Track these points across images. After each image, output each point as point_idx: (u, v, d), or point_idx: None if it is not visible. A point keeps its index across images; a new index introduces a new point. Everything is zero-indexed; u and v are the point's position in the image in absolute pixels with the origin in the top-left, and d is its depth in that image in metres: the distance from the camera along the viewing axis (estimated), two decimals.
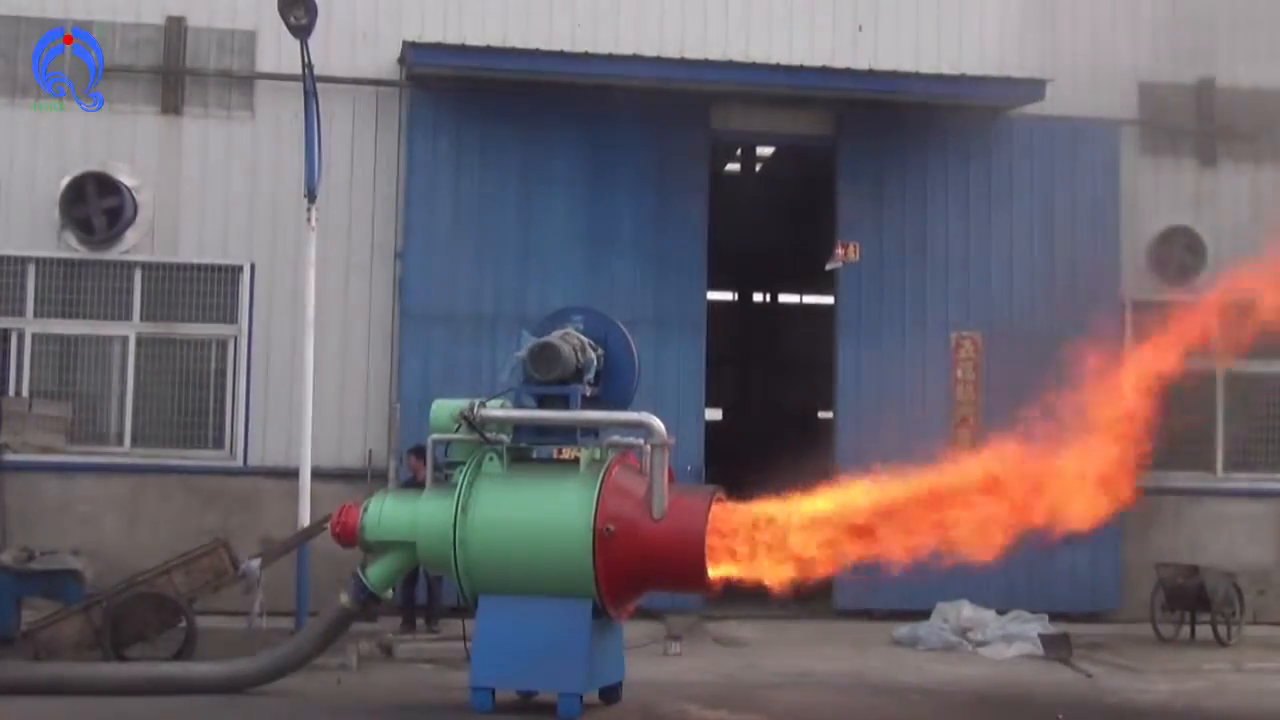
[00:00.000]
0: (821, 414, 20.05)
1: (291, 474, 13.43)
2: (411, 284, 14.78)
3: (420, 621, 13.37)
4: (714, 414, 21.14)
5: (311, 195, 13.31)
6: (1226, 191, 16.17)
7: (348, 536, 10.04)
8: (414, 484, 12.12)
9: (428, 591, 13.35)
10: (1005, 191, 15.69)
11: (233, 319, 14.77)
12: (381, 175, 14.94)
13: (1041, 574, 14.94)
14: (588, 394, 10.00)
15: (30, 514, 13.91)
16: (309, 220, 13.37)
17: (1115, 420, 9.75)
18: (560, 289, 14.25)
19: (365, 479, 14.22)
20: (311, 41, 13.03)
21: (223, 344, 14.77)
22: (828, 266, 15.56)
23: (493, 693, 9.64)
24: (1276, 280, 9.84)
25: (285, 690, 10.30)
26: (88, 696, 10.02)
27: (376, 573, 10.03)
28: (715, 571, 9.60)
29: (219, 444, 14.71)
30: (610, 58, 14.70)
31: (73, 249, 14.61)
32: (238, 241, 14.80)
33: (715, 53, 15.09)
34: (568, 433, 9.93)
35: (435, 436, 10.02)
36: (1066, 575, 15.17)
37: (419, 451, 11.78)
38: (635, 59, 14.65)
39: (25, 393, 14.47)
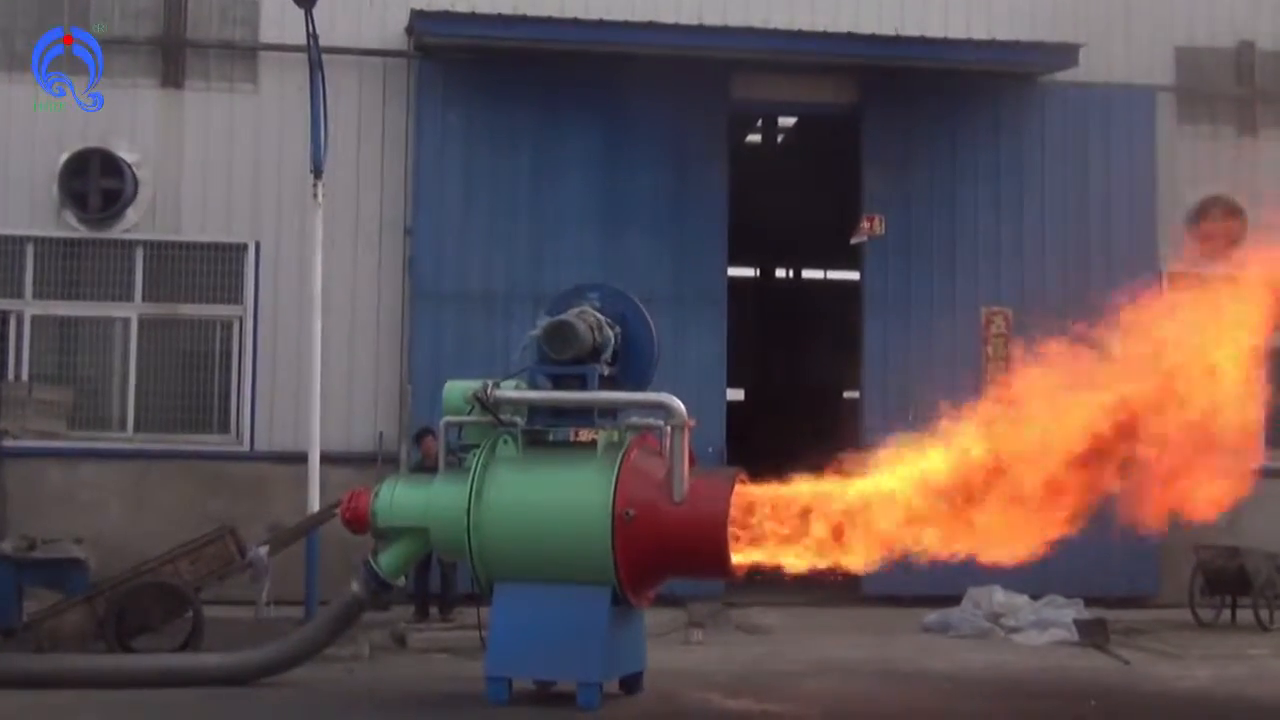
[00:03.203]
0: (847, 393, 19.84)
1: (300, 458, 13.38)
2: (422, 261, 14.77)
3: (434, 610, 13.31)
4: (736, 393, 20.99)
5: (317, 170, 13.28)
6: (1267, 159, 16.03)
7: (358, 523, 9.96)
8: (426, 467, 11.93)
9: (442, 579, 13.29)
10: (1037, 161, 15.65)
11: (237, 299, 14.78)
12: (390, 149, 14.94)
13: (1076, 558, 14.52)
14: (605, 374, 9.89)
15: (31, 501, 13.92)
16: (315, 196, 13.34)
17: None
18: (576, 265, 14.17)
19: (376, 463, 14.20)
20: (316, 11, 13.05)
21: (227, 325, 14.81)
22: (853, 240, 15.52)
23: (509, 683, 9.53)
24: None
25: (295, 681, 10.17)
26: (92, 689, 9.90)
27: (388, 560, 9.95)
28: (738, 557, 9.49)
29: (224, 428, 14.74)
30: (626, 25, 14.68)
31: (72, 228, 14.68)
32: (242, 219, 14.83)
33: (735, 19, 15.04)
34: (585, 414, 9.82)
35: (448, 419, 9.92)
36: (1102, 559, 14.88)
37: (431, 433, 11.65)
38: (652, 26, 14.60)
39: (25, 377, 14.55)
